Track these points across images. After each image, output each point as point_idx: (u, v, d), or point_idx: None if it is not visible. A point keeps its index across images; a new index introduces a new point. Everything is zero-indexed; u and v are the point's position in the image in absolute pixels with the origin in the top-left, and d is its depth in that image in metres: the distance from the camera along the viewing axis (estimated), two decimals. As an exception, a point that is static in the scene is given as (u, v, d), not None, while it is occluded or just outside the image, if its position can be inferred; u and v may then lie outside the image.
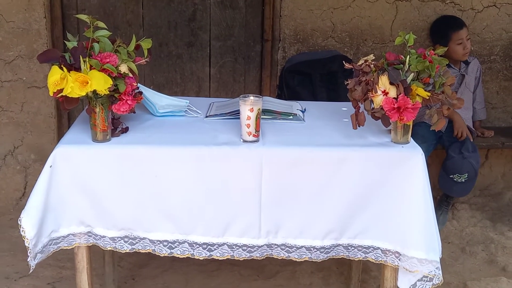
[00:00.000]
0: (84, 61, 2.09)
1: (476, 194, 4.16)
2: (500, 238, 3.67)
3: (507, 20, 4.06)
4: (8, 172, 3.91)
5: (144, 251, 2.32)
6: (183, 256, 2.31)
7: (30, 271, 2.18)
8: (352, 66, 2.33)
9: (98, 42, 2.15)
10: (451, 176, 3.61)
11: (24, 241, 2.14)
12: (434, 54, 2.26)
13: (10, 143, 3.89)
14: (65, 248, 2.29)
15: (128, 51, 2.20)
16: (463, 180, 3.61)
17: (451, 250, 3.55)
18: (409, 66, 2.24)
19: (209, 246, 2.30)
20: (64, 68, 2.08)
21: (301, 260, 2.34)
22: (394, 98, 2.20)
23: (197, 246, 2.30)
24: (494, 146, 4.03)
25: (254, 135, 2.27)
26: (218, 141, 2.29)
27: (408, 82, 2.22)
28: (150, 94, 2.59)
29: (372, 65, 2.28)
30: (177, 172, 2.25)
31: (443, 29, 3.85)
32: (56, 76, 2.08)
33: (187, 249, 2.30)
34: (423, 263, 2.24)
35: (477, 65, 3.95)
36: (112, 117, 2.27)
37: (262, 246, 2.31)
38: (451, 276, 3.25)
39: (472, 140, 3.72)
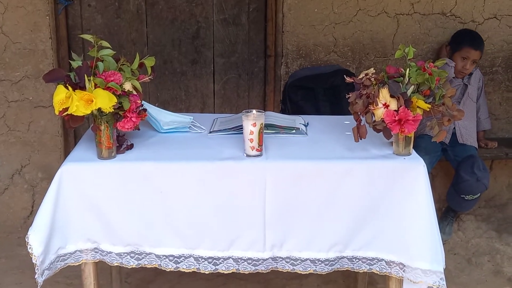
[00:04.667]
0: (89, 80, 2.13)
1: (481, 205, 4.16)
2: (506, 248, 3.67)
3: (508, 32, 4.09)
4: (15, 191, 3.94)
5: (150, 266, 2.34)
6: (189, 271, 2.33)
7: (38, 288, 2.20)
8: (353, 80, 2.36)
9: (102, 61, 2.19)
10: (462, 196, 3.61)
11: (31, 258, 2.16)
12: (434, 67, 2.28)
13: (18, 162, 3.92)
14: (72, 264, 2.32)
15: (132, 69, 2.24)
16: (474, 198, 3.62)
17: (457, 261, 3.55)
18: (409, 79, 2.26)
19: (214, 260, 2.32)
20: (69, 87, 2.12)
21: (306, 272, 2.35)
22: (395, 110, 2.22)
23: (203, 260, 2.32)
24: (498, 157, 4.04)
25: (257, 150, 2.30)
26: (222, 156, 2.32)
27: (409, 95, 2.24)
28: (154, 111, 2.62)
29: (373, 78, 2.31)
30: (182, 188, 2.27)
31: (460, 38, 3.87)
32: (61, 95, 2.11)
33: (193, 264, 2.32)
34: (427, 274, 2.25)
35: (479, 75, 3.97)
36: (117, 134, 2.31)
37: (267, 259, 2.33)
38: (458, 287, 3.25)
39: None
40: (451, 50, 3.83)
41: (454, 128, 3.80)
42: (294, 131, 2.59)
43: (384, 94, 2.24)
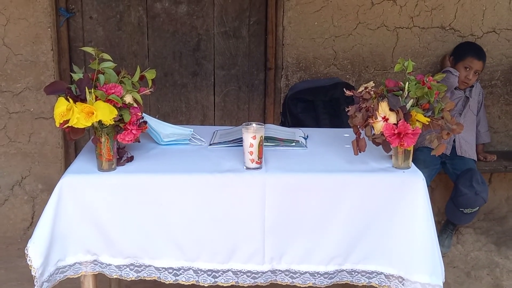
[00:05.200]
0: (90, 92, 2.14)
1: (480, 218, 4.16)
2: (505, 262, 3.67)
3: (506, 46, 4.11)
4: (16, 202, 3.95)
5: (149, 279, 2.34)
6: (188, 283, 2.33)
7: (37, 300, 2.20)
8: (352, 93, 2.37)
9: (103, 73, 2.20)
10: (461, 209, 3.62)
11: (31, 270, 2.16)
12: (433, 81, 2.29)
13: (18, 173, 3.93)
14: (71, 276, 2.32)
15: (132, 81, 2.25)
16: (472, 212, 3.62)
17: (456, 274, 3.54)
18: (408, 93, 2.28)
19: (213, 273, 2.32)
20: (70, 100, 2.13)
21: (305, 286, 2.35)
22: (394, 124, 2.23)
23: (202, 273, 2.32)
24: (497, 170, 4.05)
25: (257, 162, 2.30)
26: (222, 169, 2.33)
27: (408, 108, 2.25)
28: (154, 123, 2.63)
29: (372, 91, 2.32)
30: (182, 200, 2.28)
31: (464, 48, 3.93)
32: (62, 107, 2.12)
33: (192, 276, 2.33)
34: (426, 287, 2.25)
35: (480, 89, 4.00)
36: (117, 147, 2.31)
37: (266, 272, 2.33)
38: (457, 301, 3.25)
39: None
40: (454, 61, 3.87)
41: (454, 140, 3.81)
42: (293, 143, 2.60)
43: (383, 108, 2.25)
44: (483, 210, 4.04)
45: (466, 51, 3.87)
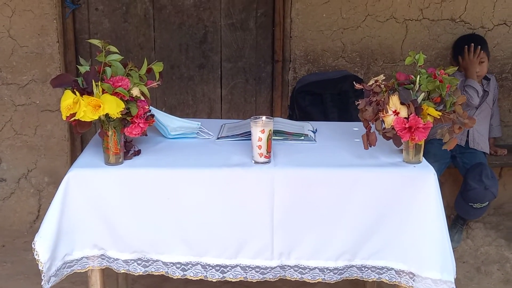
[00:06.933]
0: (97, 85, 2.11)
1: (490, 213, 4.13)
2: (516, 257, 3.64)
3: (517, 38, 4.07)
4: (22, 195, 3.94)
5: (157, 274, 2.32)
6: (196, 278, 2.31)
7: (44, 295, 2.18)
8: (362, 86, 2.33)
9: (110, 66, 2.17)
10: (470, 204, 3.59)
11: (38, 264, 2.15)
12: (445, 74, 2.26)
13: (24, 166, 3.92)
14: (78, 271, 2.30)
15: (140, 74, 2.22)
16: (482, 206, 3.59)
17: (466, 269, 3.52)
18: (419, 86, 2.24)
19: (222, 268, 2.30)
20: (77, 92, 2.10)
21: (314, 281, 2.33)
22: (405, 118, 2.20)
23: (210, 268, 2.30)
24: (508, 165, 4.01)
25: (265, 156, 2.27)
26: (230, 163, 2.30)
27: (419, 102, 2.22)
28: (162, 116, 2.61)
29: (383, 85, 2.28)
30: (190, 194, 2.25)
31: (458, 43, 3.91)
32: (69, 101, 2.10)
33: (200, 271, 2.30)
34: (437, 284, 2.22)
35: (495, 82, 3.97)
36: (124, 140, 2.29)
37: (275, 267, 2.31)
38: (467, 296, 3.22)
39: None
40: (455, 58, 3.84)
41: (468, 132, 3.77)
42: (302, 137, 2.57)
43: (394, 101, 2.21)
44: (493, 204, 4.00)
45: (461, 43, 3.84)
